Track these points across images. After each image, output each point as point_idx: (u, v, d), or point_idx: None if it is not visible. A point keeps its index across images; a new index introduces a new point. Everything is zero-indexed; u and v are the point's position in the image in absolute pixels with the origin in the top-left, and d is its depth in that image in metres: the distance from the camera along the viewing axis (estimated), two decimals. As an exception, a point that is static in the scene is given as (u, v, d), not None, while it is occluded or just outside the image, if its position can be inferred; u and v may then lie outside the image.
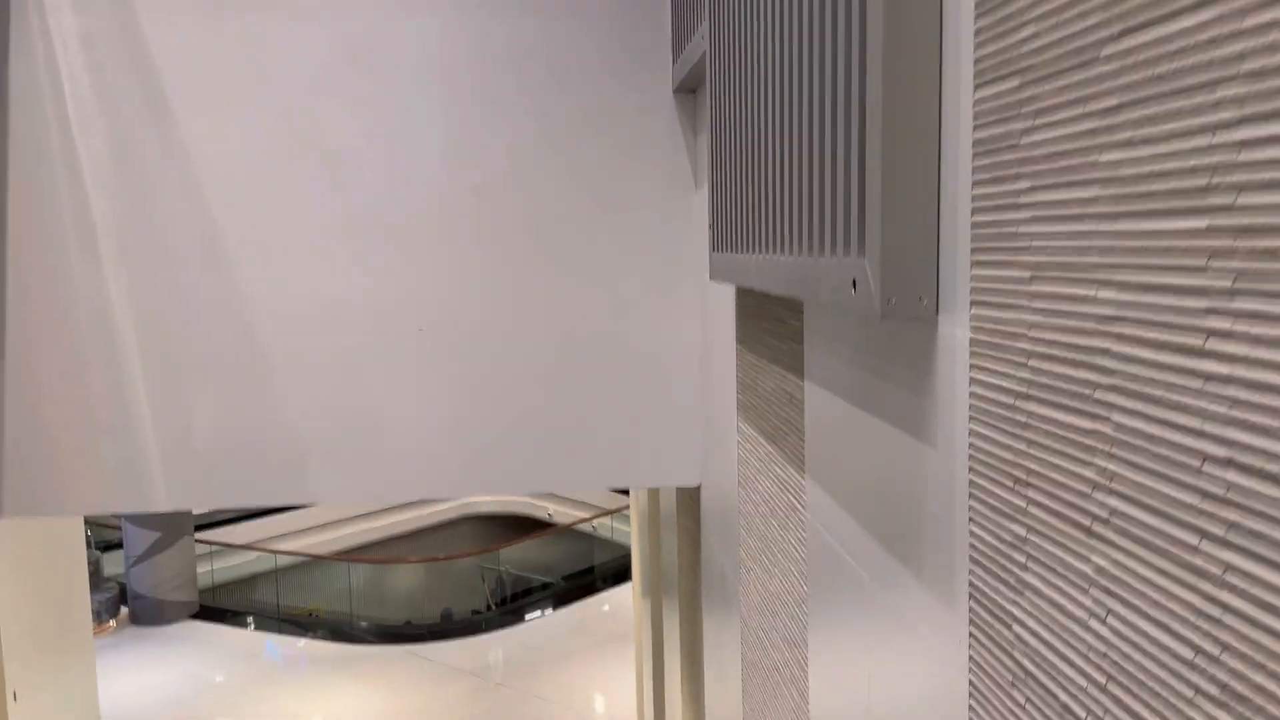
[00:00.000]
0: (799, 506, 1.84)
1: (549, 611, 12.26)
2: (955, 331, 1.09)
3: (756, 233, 1.80)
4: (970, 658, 1.08)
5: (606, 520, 14.84)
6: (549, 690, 10.14)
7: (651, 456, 3.13)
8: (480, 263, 3.02)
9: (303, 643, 11.56)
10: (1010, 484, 0.97)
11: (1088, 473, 0.83)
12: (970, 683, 1.08)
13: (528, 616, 12.09)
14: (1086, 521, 0.83)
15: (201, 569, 13.04)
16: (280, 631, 11.88)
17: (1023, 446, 0.94)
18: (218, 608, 12.31)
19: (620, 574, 13.17)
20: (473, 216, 3.00)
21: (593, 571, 13.73)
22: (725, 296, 2.62)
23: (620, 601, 12.36)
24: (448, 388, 3.05)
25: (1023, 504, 0.95)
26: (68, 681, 5.79)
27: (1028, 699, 0.95)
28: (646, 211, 3.05)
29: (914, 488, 1.23)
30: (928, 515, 1.19)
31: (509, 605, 12.63)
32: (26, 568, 5.10)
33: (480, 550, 13.78)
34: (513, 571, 14.26)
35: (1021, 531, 0.95)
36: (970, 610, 1.08)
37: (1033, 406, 0.92)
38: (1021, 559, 0.96)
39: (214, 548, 13.66)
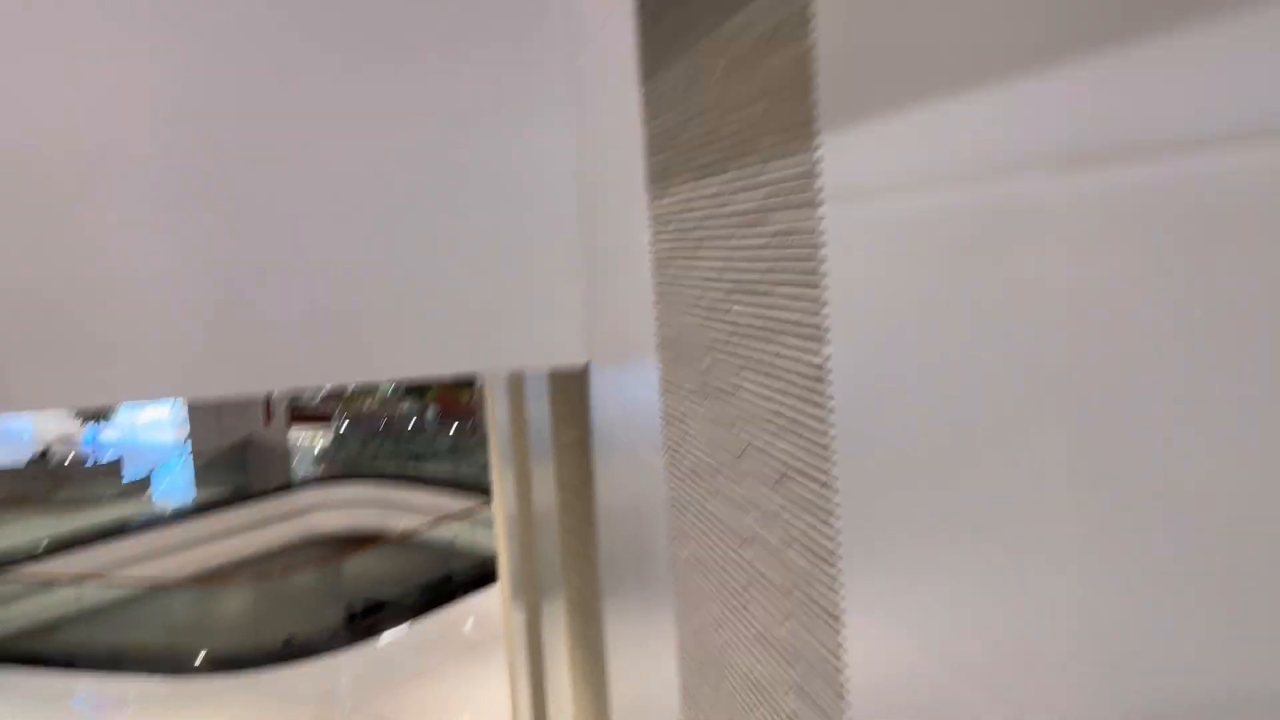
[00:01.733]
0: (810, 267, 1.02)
1: (405, 626, 11.14)
2: None
3: None
4: None
5: (465, 528, 13.73)
6: (408, 711, 9.05)
7: (510, 328, 2.25)
8: (247, 44, 2.08)
9: (125, 684, 10.06)
10: None
11: None
12: None
13: (381, 634, 10.93)
14: None
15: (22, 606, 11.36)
16: (97, 672, 10.34)
17: None
18: (15, 653, 10.61)
19: (482, 579, 12.14)
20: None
21: (451, 580, 12.64)
22: (614, 46, 1.78)
23: (484, 608, 11.34)
24: (204, 239, 2.08)
25: None
26: None
27: None
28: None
29: None
30: None
31: (359, 623, 11.39)
32: None
33: (321, 563, 12.42)
34: (364, 595, 12.98)
35: None
36: None
37: None
38: None
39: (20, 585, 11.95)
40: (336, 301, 2.12)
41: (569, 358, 2.29)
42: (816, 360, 1.01)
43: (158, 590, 12.31)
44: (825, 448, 1.00)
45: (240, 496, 17.34)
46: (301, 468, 19.72)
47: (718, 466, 1.35)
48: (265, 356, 2.10)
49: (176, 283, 2.07)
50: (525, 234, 2.23)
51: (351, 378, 2.12)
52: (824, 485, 1.01)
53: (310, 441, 21.41)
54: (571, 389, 2.56)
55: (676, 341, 1.52)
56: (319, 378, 2.12)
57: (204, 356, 2.07)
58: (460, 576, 12.57)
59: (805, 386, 1.04)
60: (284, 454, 18.74)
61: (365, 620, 11.54)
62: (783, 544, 1.12)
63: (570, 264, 2.24)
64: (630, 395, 1.90)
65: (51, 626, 11.85)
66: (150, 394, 2.05)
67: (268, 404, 9.69)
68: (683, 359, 1.49)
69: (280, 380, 2.15)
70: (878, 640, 0.91)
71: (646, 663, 1.94)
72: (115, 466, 19.20)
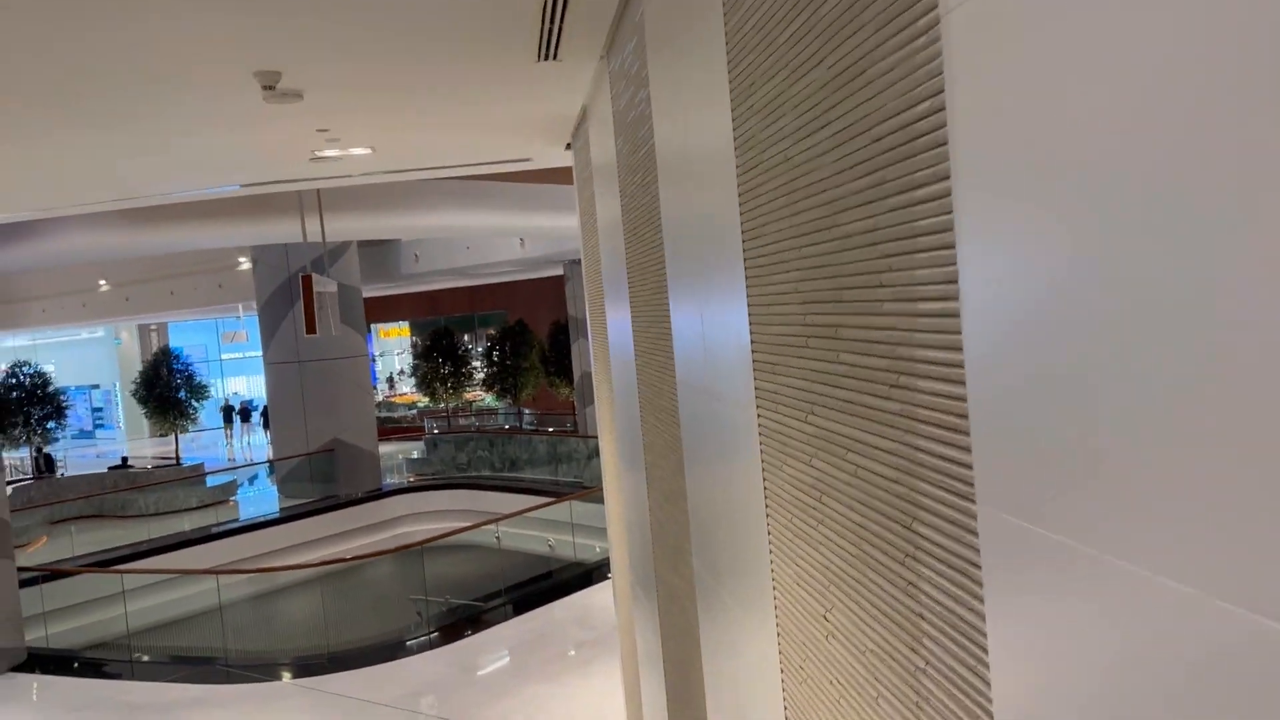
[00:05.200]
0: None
1: (498, 626, 9.56)
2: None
3: None
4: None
5: (569, 538, 12.09)
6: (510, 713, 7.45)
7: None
8: None
9: (181, 689, 8.70)
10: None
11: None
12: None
13: (469, 633, 9.38)
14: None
15: (86, 619, 10.03)
16: (143, 678, 9.03)
17: None
18: (55, 654, 9.37)
19: (584, 578, 10.55)
20: None
21: (549, 577, 11.05)
22: None
23: (590, 605, 9.72)
24: None
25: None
26: None
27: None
28: None
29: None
30: None
31: (445, 622, 9.86)
32: None
33: (398, 548, 10.91)
34: (454, 600, 11.47)
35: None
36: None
37: None
38: None
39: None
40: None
41: None
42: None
43: (196, 575, 10.80)
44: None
45: (327, 505, 16.11)
46: (392, 476, 18.49)
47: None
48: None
49: None
50: None
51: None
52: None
53: (401, 452, 20.21)
54: None
55: None
56: None
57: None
58: (560, 576, 11.01)
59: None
60: (373, 461, 17.46)
61: (453, 615, 10.03)
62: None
63: None
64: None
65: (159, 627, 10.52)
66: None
67: (309, 309, 8.21)
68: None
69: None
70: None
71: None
72: (197, 473, 18.25)
